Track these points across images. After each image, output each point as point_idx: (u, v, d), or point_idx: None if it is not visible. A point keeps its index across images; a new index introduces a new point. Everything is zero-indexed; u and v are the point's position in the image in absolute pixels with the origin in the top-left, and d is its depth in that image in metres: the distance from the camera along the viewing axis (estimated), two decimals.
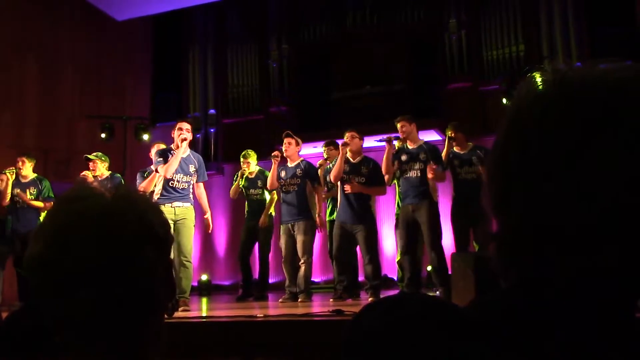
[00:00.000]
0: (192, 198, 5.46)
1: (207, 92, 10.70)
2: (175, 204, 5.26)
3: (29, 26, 9.20)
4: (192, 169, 5.42)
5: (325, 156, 6.66)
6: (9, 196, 6.65)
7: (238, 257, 7.21)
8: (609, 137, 0.53)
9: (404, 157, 5.75)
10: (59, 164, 8.78)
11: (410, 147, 5.78)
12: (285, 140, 6.23)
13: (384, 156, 5.83)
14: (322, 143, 6.95)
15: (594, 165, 0.53)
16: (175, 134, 5.40)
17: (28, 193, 6.75)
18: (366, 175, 5.84)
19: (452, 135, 5.95)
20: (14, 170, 6.70)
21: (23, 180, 6.79)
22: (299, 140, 6.33)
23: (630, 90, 0.55)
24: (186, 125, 5.43)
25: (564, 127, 0.55)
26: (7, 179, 6.64)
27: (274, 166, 6.15)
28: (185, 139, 5.32)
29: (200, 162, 5.54)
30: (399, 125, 5.74)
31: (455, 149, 6.00)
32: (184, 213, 5.28)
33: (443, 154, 5.91)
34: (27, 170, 6.81)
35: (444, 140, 6.20)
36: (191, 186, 5.45)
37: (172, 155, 5.31)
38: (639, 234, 0.53)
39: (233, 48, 10.71)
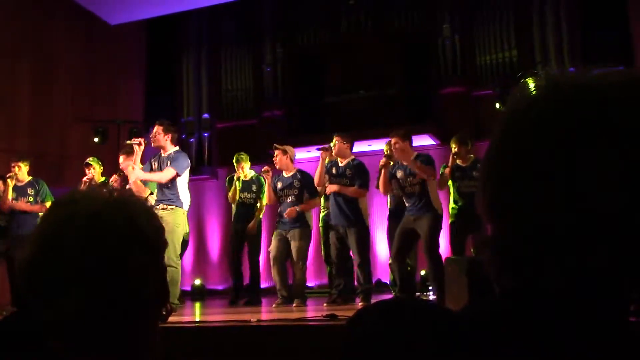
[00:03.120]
0: (180, 200, 5.43)
1: (201, 96, 10.69)
2: (159, 206, 5.26)
3: (22, 30, 9.17)
4: (170, 162, 5.43)
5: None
6: (9, 201, 6.68)
7: (229, 262, 7.19)
8: (601, 140, 0.54)
9: (399, 174, 5.65)
10: (51, 168, 8.74)
11: (405, 163, 5.65)
12: (275, 153, 6.26)
13: (381, 178, 5.76)
14: (315, 147, 6.94)
15: (587, 167, 0.54)
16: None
17: (27, 195, 6.77)
18: (349, 177, 5.89)
19: (457, 150, 5.92)
20: (13, 176, 6.73)
21: (20, 184, 6.82)
22: (286, 149, 6.29)
23: (622, 94, 0.56)
24: (155, 128, 5.52)
25: (557, 130, 0.56)
26: (8, 185, 6.68)
27: (267, 181, 6.19)
28: (139, 144, 5.45)
29: (173, 157, 5.47)
30: (392, 142, 5.63)
31: (457, 161, 5.99)
32: (165, 216, 5.16)
33: (447, 170, 5.90)
34: (24, 173, 6.85)
35: (438, 145, 6.20)
36: (175, 187, 5.41)
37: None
38: (633, 235, 0.53)
39: (227, 52, 10.72)
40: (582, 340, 0.55)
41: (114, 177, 6.18)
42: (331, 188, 5.85)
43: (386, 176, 5.72)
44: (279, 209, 6.26)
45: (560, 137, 0.55)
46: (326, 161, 6.05)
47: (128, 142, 5.67)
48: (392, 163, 5.74)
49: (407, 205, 5.66)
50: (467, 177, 5.93)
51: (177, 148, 5.61)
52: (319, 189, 6.15)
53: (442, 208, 5.62)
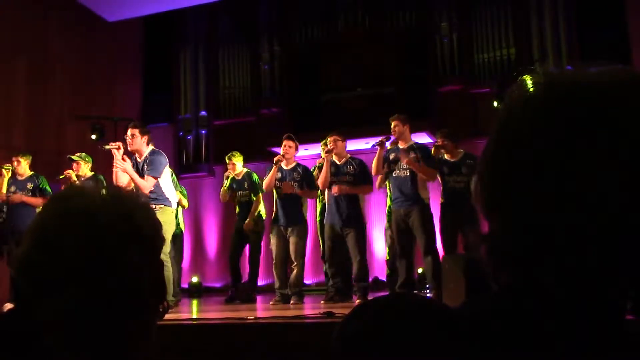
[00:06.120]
0: (169, 200, 5.39)
1: (198, 93, 10.67)
2: None
3: (18, 26, 9.13)
4: (147, 167, 5.34)
5: (323, 156, 6.66)
6: (4, 190, 6.67)
7: (228, 259, 7.22)
8: (598, 139, 0.54)
9: (392, 156, 5.74)
10: (48, 165, 8.71)
11: (400, 146, 5.76)
12: (286, 143, 6.14)
13: (375, 157, 5.82)
14: (313, 145, 6.93)
15: (583, 166, 0.54)
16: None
17: (26, 190, 6.78)
18: (353, 174, 5.90)
19: (440, 143, 5.93)
20: (10, 167, 6.74)
21: (20, 178, 6.86)
22: (298, 145, 6.29)
23: (619, 93, 0.56)
24: (130, 131, 5.34)
25: (554, 128, 0.56)
26: (3, 176, 6.68)
27: (274, 169, 6.07)
28: (118, 148, 5.20)
29: (151, 159, 5.34)
30: (392, 124, 5.73)
31: (445, 155, 5.98)
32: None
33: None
34: (24, 168, 6.86)
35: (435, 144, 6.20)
36: (158, 187, 5.34)
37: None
38: (632, 234, 0.53)
39: (224, 49, 10.70)
40: (580, 339, 0.55)
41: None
42: (341, 189, 5.78)
43: (381, 157, 5.74)
44: (277, 201, 6.19)
45: (558, 136, 0.55)
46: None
47: (106, 146, 5.31)
48: (388, 146, 5.77)
49: (393, 193, 5.69)
50: (455, 172, 5.92)
51: (151, 148, 5.46)
52: (321, 188, 6.15)
53: (429, 197, 5.66)
